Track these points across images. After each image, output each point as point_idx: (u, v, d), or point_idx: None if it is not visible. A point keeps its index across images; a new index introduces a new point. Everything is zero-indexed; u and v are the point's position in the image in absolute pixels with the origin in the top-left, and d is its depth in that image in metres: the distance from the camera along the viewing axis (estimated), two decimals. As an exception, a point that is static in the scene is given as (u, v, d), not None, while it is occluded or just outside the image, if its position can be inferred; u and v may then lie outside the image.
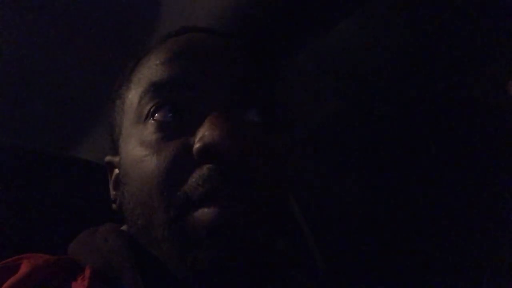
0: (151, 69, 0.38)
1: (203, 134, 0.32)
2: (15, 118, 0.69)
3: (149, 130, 0.36)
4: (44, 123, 0.69)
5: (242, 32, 0.52)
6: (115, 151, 0.42)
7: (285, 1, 0.49)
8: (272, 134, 0.38)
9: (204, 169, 0.32)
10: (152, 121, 0.36)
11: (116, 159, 0.42)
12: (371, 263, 0.51)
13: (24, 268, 0.34)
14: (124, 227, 0.42)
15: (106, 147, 0.75)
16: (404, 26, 0.53)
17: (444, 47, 0.51)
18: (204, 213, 0.31)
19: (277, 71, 0.58)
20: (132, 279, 0.31)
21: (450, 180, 0.51)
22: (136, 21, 0.58)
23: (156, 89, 0.37)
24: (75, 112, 0.69)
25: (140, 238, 0.36)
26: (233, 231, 0.31)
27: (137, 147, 0.36)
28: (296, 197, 0.59)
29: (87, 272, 0.33)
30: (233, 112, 0.35)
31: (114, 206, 0.42)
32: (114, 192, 0.42)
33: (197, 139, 0.33)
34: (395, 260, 0.49)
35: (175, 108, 0.36)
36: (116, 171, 0.42)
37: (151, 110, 0.36)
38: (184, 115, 0.36)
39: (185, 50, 0.38)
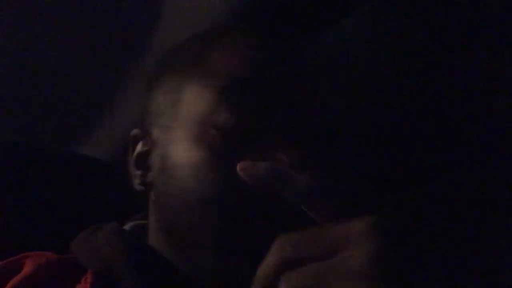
0: (225, 65, 0.36)
1: (276, 155, 0.31)
2: (17, 115, 0.69)
3: (210, 132, 0.34)
4: (46, 121, 0.69)
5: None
6: (145, 125, 0.40)
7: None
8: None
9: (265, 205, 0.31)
10: (218, 127, 0.34)
11: (152, 136, 0.39)
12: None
13: (27, 267, 0.34)
14: (126, 227, 0.42)
15: (107, 144, 0.75)
16: (406, 25, 0.53)
17: (446, 46, 0.50)
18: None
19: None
20: (132, 282, 0.31)
21: (452, 179, 0.50)
22: (138, 20, 0.58)
23: (231, 91, 0.34)
24: (77, 110, 0.69)
25: (164, 224, 0.36)
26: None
27: (196, 144, 0.34)
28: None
29: (89, 276, 0.33)
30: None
31: (136, 182, 0.40)
32: (134, 168, 0.40)
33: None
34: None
35: (241, 114, 0.34)
36: (140, 147, 0.40)
37: (221, 115, 0.34)
38: (251, 125, 0.33)
39: (265, 52, 0.37)
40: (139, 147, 0.40)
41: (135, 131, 0.41)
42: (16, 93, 0.67)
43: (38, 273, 0.34)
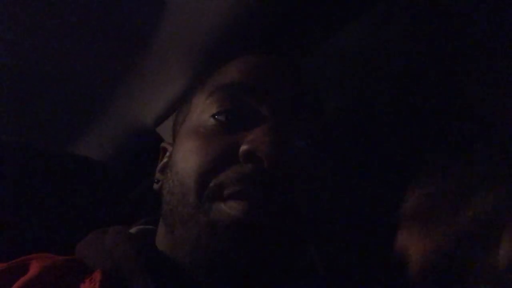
0: (224, 75, 0.42)
1: (252, 139, 0.35)
2: (17, 115, 0.68)
3: (208, 125, 0.39)
4: (45, 121, 0.69)
5: (247, 33, 0.52)
6: (173, 138, 0.46)
7: (292, 3, 0.49)
8: (315, 161, 0.40)
9: (245, 168, 0.35)
10: (213, 119, 0.39)
11: (171, 147, 0.45)
12: (371, 267, 0.52)
13: (33, 269, 0.34)
14: (132, 230, 0.42)
15: (106, 145, 0.75)
16: (409, 29, 0.54)
17: (448, 52, 0.51)
18: (232, 205, 0.34)
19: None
20: (143, 283, 0.32)
21: (451, 181, 0.51)
22: (139, 21, 0.58)
23: (223, 90, 0.40)
24: (76, 110, 0.69)
25: (168, 218, 0.38)
26: (253, 229, 0.33)
27: (194, 138, 0.39)
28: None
29: (98, 276, 0.33)
30: (284, 131, 0.37)
31: (155, 186, 0.45)
32: (159, 174, 0.46)
33: (246, 141, 0.36)
34: (395, 264, 0.50)
35: (235, 110, 0.39)
36: (166, 158, 0.46)
37: (215, 108, 0.39)
38: (242, 118, 0.39)
39: (258, 65, 0.42)
40: (165, 158, 0.46)
41: (163, 144, 0.48)
42: (15, 93, 0.66)
43: (44, 275, 0.34)
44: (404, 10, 0.54)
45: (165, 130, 0.67)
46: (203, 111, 0.41)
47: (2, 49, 0.62)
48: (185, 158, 0.38)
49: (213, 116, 0.39)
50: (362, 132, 0.57)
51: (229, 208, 0.33)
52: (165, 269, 0.34)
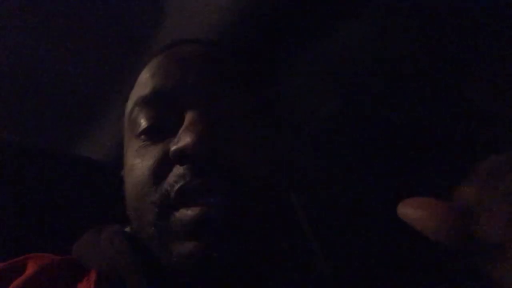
0: (139, 84, 0.42)
1: (178, 139, 0.34)
2: (17, 116, 0.69)
3: (139, 141, 0.39)
4: (45, 122, 0.69)
5: (244, 34, 0.53)
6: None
7: (287, 4, 0.49)
8: (263, 129, 0.40)
9: (180, 169, 0.34)
10: (141, 132, 0.39)
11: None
12: (374, 263, 0.52)
13: (30, 268, 0.34)
14: (128, 229, 0.42)
15: (107, 145, 0.75)
16: (405, 29, 0.54)
17: (445, 50, 0.51)
18: (183, 212, 0.33)
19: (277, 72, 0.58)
20: (137, 282, 0.32)
21: (448, 181, 0.51)
22: (139, 22, 0.58)
23: (141, 103, 0.39)
24: (77, 111, 0.69)
25: (140, 238, 0.37)
26: (211, 225, 0.33)
27: (131, 157, 0.39)
28: (297, 197, 0.60)
29: (93, 275, 0.33)
30: (212, 110, 0.37)
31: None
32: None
33: (172, 143, 0.35)
34: (397, 260, 0.50)
35: (159, 117, 0.38)
36: None
37: (139, 122, 0.39)
38: (168, 122, 0.38)
39: (169, 62, 0.41)
40: None
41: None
42: (16, 93, 0.66)
43: (41, 274, 0.34)
44: (404, 9, 0.54)
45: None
46: (132, 127, 0.40)
47: (3, 50, 0.63)
48: (129, 180, 0.38)
49: (136, 136, 0.39)
50: (357, 132, 0.57)
51: (182, 215, 0.33)
52: (160, 268, 0.34)
